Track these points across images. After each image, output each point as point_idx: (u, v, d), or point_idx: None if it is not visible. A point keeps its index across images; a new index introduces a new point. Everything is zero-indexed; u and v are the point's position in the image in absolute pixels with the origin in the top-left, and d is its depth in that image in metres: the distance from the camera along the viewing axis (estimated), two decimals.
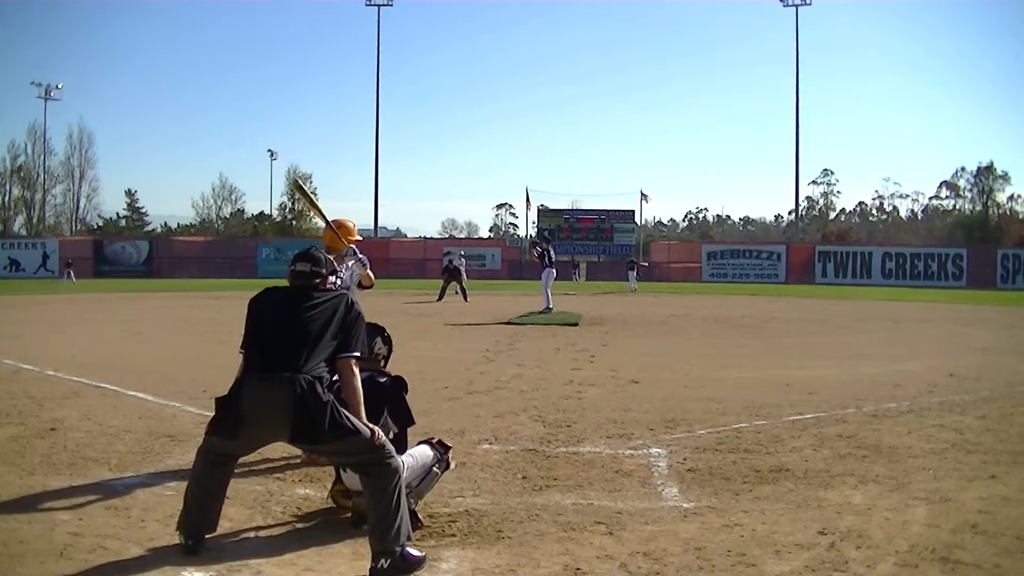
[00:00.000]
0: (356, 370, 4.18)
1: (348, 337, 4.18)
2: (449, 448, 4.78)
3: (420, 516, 4.66)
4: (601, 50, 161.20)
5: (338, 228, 6.34)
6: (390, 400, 4.65)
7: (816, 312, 24.93)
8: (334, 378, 4.23)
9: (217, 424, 4.05)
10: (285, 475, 5.64)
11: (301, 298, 4.23)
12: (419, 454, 4.62)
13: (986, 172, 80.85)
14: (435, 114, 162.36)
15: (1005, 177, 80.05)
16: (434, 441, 4.76)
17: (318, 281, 4.39)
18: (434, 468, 4.67)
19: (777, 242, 66.25)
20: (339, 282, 6.01)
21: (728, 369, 11.35)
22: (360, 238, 6.53)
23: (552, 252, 22.64)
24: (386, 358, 5.06)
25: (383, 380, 4.74)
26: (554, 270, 22.15)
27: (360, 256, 6.34)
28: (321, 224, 6.44)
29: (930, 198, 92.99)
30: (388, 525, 3.92)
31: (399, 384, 4.76)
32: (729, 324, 19.79)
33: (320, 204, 6.23)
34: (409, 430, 4.73)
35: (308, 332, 4.08)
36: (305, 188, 6.64)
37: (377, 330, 5.00)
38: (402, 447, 4.57)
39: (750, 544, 4.35)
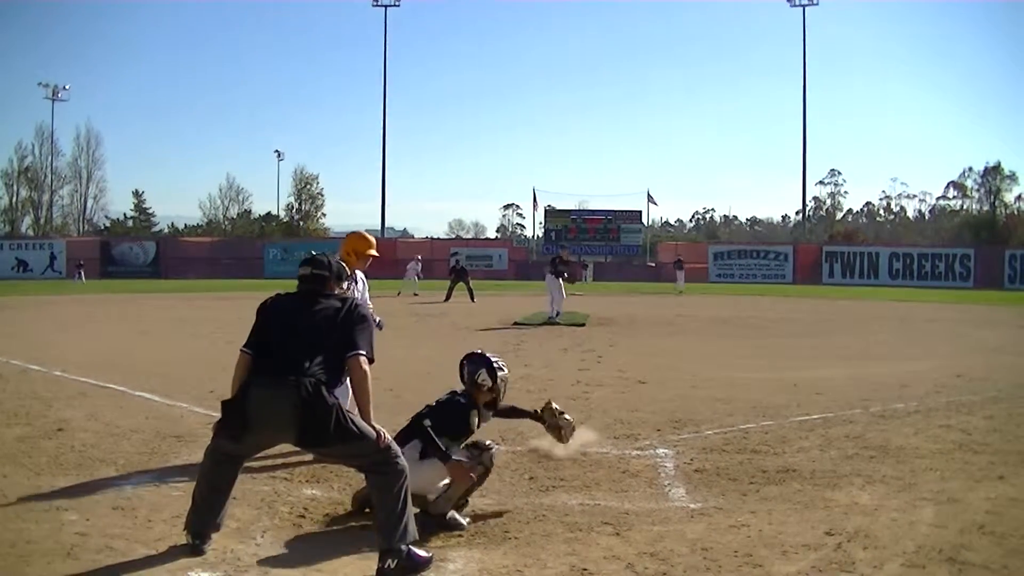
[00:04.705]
0: (366, 369, 4.12)
1: (352, 335, 4.14)
2: (487, 449, 4.83)
3: (460, 518, 4.67)
4: (607, 51, 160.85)
5: (359, 240, 6.21)
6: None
7: (823, 313, 24.88)
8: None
9: (223, 427, 4.05)
10: (292, 476, 5.65)
11: (307, 302, 4.25)
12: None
13: (993, 172, 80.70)
14: (442, 114, 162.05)
15: (1012, 177, 79.97)
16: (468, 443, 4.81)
17: (325, 285, 4.37)
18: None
19: (784, 242, 66.12)
20: (355, 294, 5.87)
21: (735, 370, 11.33)
22: (376, 254, 6.30)
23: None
24: (491, 389, 5.07)
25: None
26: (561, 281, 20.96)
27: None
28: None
29: (937, 198, 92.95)
30: (394, 525, 3.92)
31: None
32: (736, 324, 19.78)
33: None
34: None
35: (311, 335, 4.09)
36: None
37: (483, 361, 5.09)
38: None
39: (757, 545, 4.34)
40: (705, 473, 5.82)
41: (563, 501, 5.15)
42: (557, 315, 19.27)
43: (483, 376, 5.05)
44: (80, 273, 45.94)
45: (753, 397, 8.86)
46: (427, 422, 4.68)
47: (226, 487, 4.22)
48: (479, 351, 5.19)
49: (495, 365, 5.09)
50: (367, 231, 6.49)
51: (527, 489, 5.40)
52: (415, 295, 31.08)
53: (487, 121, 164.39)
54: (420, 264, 34.80)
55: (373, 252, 6.25)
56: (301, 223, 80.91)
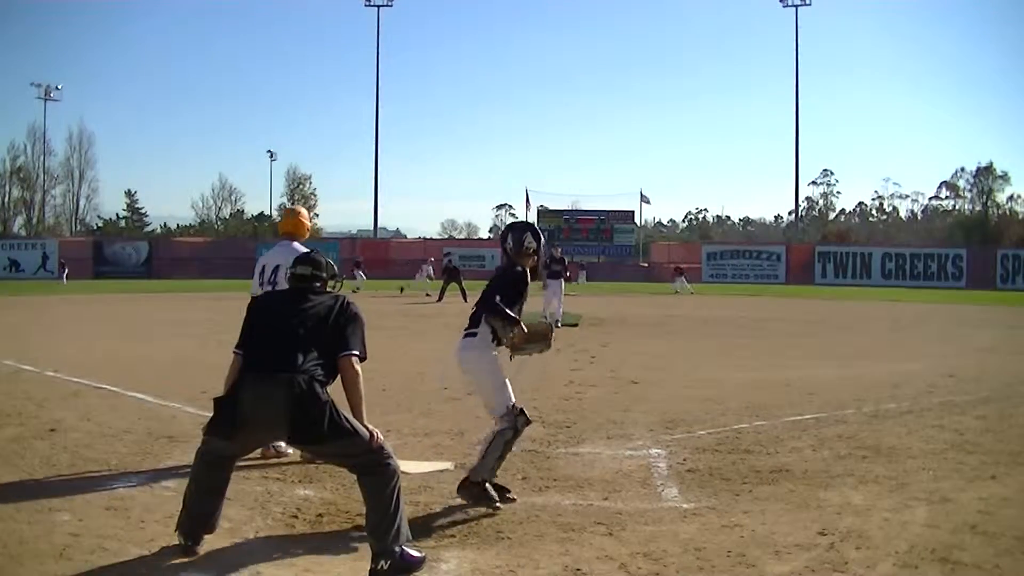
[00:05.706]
0: (358, 369, 4.14)
1: (344, 335, 4.16)
2: (522, 415, 5.04)
3: (494, 492, 4.88)
4: (600, 50, 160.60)
5: (298, 215, 6.41)
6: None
7: (816, 312, 24.93)
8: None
9: (215, 425, 4.04)
10: (285, 476, 5.63)
11: (299, 300, 4.25)
12: None
13: (985, 172, 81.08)
14: (435, 114, 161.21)
15: (1004, 177, 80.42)
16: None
17: (318, 285, 4.39)
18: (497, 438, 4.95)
19: (777, 243, 66.16)
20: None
21: (728, 370, 11.35)
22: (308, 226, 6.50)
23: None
24: (535, 252, 5.26)
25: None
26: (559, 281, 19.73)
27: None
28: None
29: (930, 198, 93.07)
30: (388, 526, 3.92)
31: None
32: (728, 324, 19.81)
33: None
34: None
35: (304, 332, 4.09)
36: None
37: (527, 225, 5.37)
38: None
39: (750, 545, 4.35)
40: (698, 473, 5.83)
41: (556, 501, 5.15)
42: (556, 323, 17.73)
43: (529, 239, 5.24)
44: (63, 274, 46.21)
45: (746, 397, 8.87)
46: (497, 297, 4.91)
47: (218, 488, 4.20)
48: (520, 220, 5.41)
49: (537, 228, 5.38)
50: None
51: (520, 489, 5.39)
52: (427, 295, 30.11)
53: (480, 121, 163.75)
54: (431, 266, 36.15)
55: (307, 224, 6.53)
56: None
